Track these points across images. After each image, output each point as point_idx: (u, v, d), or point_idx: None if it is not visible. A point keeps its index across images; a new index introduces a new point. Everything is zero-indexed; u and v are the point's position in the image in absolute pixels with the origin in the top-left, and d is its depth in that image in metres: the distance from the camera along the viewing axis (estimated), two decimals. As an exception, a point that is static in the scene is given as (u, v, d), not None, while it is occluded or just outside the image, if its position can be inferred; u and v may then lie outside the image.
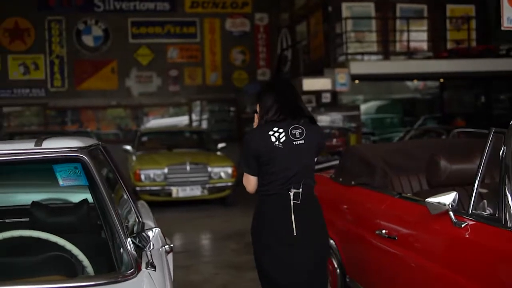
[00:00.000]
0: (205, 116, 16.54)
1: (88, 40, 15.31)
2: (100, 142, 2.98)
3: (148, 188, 9.44)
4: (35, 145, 2.24)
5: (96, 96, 15.29)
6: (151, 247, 2.23)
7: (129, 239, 2.14)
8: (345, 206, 4.04)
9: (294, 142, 2.81)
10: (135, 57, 15.61)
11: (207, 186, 9.53)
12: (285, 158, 2.80)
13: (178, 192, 9.42)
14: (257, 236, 2.92)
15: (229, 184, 9.59)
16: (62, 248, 2.25)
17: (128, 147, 10.82)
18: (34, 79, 15.00)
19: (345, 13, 12.29)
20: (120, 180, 3.04)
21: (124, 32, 15.49)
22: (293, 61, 14.57)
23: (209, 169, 9.59)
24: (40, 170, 5.27)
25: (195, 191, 9.47)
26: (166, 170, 9.47)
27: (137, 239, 2.23)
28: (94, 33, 15.35)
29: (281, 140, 2.80)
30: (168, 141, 11.35)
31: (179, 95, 15.96)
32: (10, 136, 11.11)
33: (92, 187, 2.22)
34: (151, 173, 9.46)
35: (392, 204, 3.44)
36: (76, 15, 15.20)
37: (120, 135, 15.64)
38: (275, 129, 2.82)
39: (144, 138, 11.39)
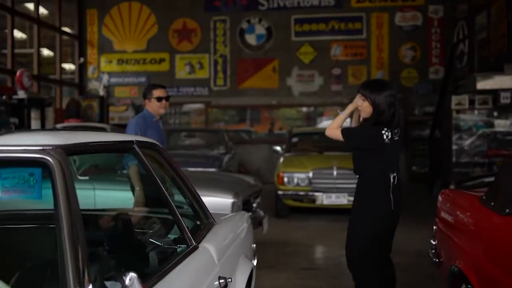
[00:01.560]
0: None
1: (251, 38, 15.22)
2: (135, 140, 2.34)
3: (290, 192, 8.80)
4: (-14, 142, 1.66)
5: (257, 95, 15.12)
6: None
7: (90, 287, 1.45)
8: (491, 241, 2.90)
9: (394, 138, 3.71)
10: (297, 55, 15.12)
11: (356, 194, 8.58)
12: (390, 151, 3.71)
13: (323, 199, 8.62)
14: (363, 210, 3.71)
15: (381, 193, 8.54)
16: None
17: (278, 148, 10.34)
18: (198, 78, 15.33)
19: (534, -2, 10.39)
20: (164, 190, 2.36)
21: (287, 30, 15.10)
22: (469, 56, 12.84)
23: (359, 175, 8.64)
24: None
25: (342, 199, 8.58)
26: (310, 174, 8.74)
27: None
28: (257, 32, 15.21)
29: (389, 138, 3.68)
30: (320, 143, 10.59)
31: (342, 95, 15.09)
32: (168, 133, 11.28)
33: (54, 202, 1.56)
34: (295, 177, 8.81)
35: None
36: (240, 14, 15.20)
37: (286, 135, 15.24)
38: (385, 129, 3.69)
39: (295, 139, 10.77)
